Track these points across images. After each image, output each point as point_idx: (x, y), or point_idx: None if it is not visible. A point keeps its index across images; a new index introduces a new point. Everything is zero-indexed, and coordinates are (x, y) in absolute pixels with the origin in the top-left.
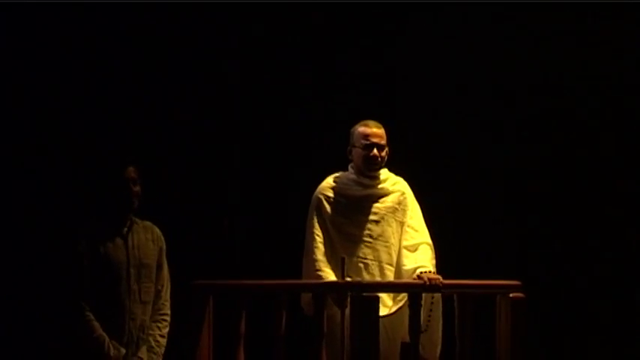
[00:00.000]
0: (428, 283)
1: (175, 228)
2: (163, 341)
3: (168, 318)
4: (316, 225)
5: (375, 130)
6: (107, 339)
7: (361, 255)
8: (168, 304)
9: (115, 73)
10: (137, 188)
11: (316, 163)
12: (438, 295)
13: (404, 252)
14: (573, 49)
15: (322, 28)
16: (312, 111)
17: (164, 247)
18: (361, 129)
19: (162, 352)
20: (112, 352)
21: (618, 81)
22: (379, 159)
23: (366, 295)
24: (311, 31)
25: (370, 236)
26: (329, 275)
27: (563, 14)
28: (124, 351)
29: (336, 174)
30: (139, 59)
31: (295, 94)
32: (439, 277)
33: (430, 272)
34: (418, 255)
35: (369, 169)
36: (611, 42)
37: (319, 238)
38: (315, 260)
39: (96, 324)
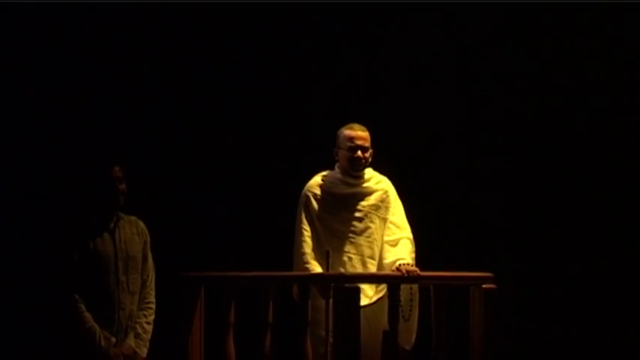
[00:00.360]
0: (406, 274)
1: (168, 222)
2: (149, 328)
3: (153, 306)
4: (304, 220)
5: (359, 133)
6: (98, 330)
7: (345, 250)
8: (153, 292)
9: (101, 74)
10: (123, 186)
11: (305, 162)
12: (415, 286)
13: (385, 247)
14: (556, 50)
15: (314, 30)
16: (302, 113)
17: (148, 239)
18: (346, 132)
19: (149, 337)
20: (103, 342)
21: (595, 81)
22: (363, 160)
23: (347, 286)
24: (301, 33)
25: (354, 232)
26: (316, 267)
27: (548, 16)
28: (114, 340)
29: (324, 173)
30: (125, 59)
31: (285, 99)
32: (416, 269)
33: (408, 264)
34: (398, 249)
35: (353, 170)
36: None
37: (307, 233)
38: (303, 253)
39: (87, 315)
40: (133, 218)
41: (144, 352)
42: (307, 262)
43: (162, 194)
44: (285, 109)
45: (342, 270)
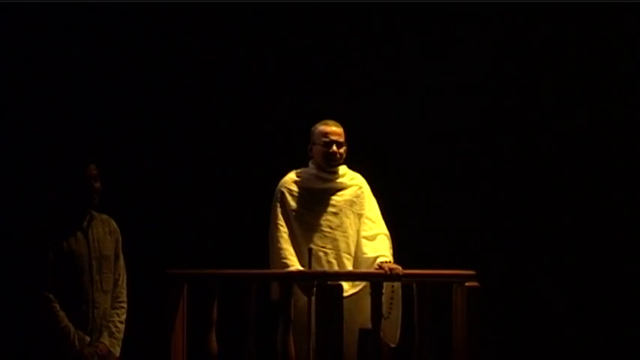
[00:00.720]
0: (389, 272)
1: (138, 220)
2: (122, 327)
3: (125, 305)
4: (280, 216)
5: (334, 128)
6: (73, 329)
7: (321, 244)
8: (125, 292)
9: (76, 71)
10: (97, 184)
11: (282, 159)
12: (397, 284)
13: (363, 241)
14: (539, 48)
15: (289, 30)
16: (281, 111)
17: (120, 238)
18: (321, 127)
19: (122, 336)
20: (77, 342)
21: (571, 79)
22: (338, 155)
23: (330, 283)
24: (276, 32)
25: (329, 227)
26: (295, 263)
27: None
28: (88, 339)
29: (298, 170)
30: (99, 57)
31: (263, 97)
32: (399, 266)
33: (390, 262)
34: (377, 244)
35: (328, 165)
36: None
37: (283, 229)
38: (281, 249)
39: (62, 314)
40: (105, 217)
41: (117, 351)
42: (286, 258)
43: (133, 192)
44: (262, 106)
45: (318, 265)
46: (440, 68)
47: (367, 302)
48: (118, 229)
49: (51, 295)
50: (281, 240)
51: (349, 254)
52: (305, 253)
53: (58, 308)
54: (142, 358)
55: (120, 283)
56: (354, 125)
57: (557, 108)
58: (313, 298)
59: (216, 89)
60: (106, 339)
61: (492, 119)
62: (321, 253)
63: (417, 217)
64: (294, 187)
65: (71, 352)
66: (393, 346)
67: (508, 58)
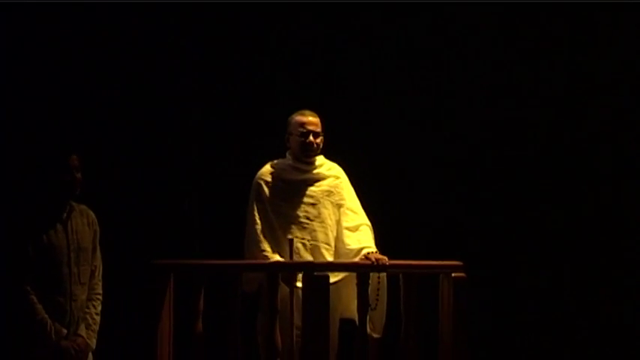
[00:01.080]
0: (375, 263)
1: (138, 212)
2: (98, 319)
3: (101, 297)
4: (256, 208)
5: (310, 118)
6: (50, 322)
7: (299, 235)
8: (100, 284)
9: (58, 63)
10: (79, 175)
11: (258, 151)
12: (383, 274)
13: (345, 232)
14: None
15: (266, 23)
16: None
17: (98, 230)
18: (298, 118)
19: (97, 328)
20: (54, 334)
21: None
22: (315, 145)
23: (317, 274)
24: (254, 24)
25: (307, 218)
26: (274, 255)
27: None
28: (65, 331)
29: (275, 160)
30: (82, 50)
31: (244, 89)
32: (385, 257)
33: (376, 252)
34: (361, 235)
35: (305, 155)
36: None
37: (260, 221)
38: (259, 241)
39: (39, 307)
40: (83, 207)
41: (94, 342)
42: (264, 250)
43: (115, 183)
44: (244, 98)
45: (298, 256)
46: (421, 61)
47: (347, 291)
48: (97, 220)
49: (29, 288)
50: (258, 232)
51: (328, 245)
52: (283, 245)
53: (36, 301)
54: (128, 349)
55: (96, 274)
56: (332, 115)
57: (547, 102)
58: (295, 289)
59: (197, 83)
60: (83, 331)
61: (480, 112)
62: (299, 244)
63: (403, 207)
64: (271, 179)
65: (48, 345)
66: (376, 336)
67: (494, 52)
